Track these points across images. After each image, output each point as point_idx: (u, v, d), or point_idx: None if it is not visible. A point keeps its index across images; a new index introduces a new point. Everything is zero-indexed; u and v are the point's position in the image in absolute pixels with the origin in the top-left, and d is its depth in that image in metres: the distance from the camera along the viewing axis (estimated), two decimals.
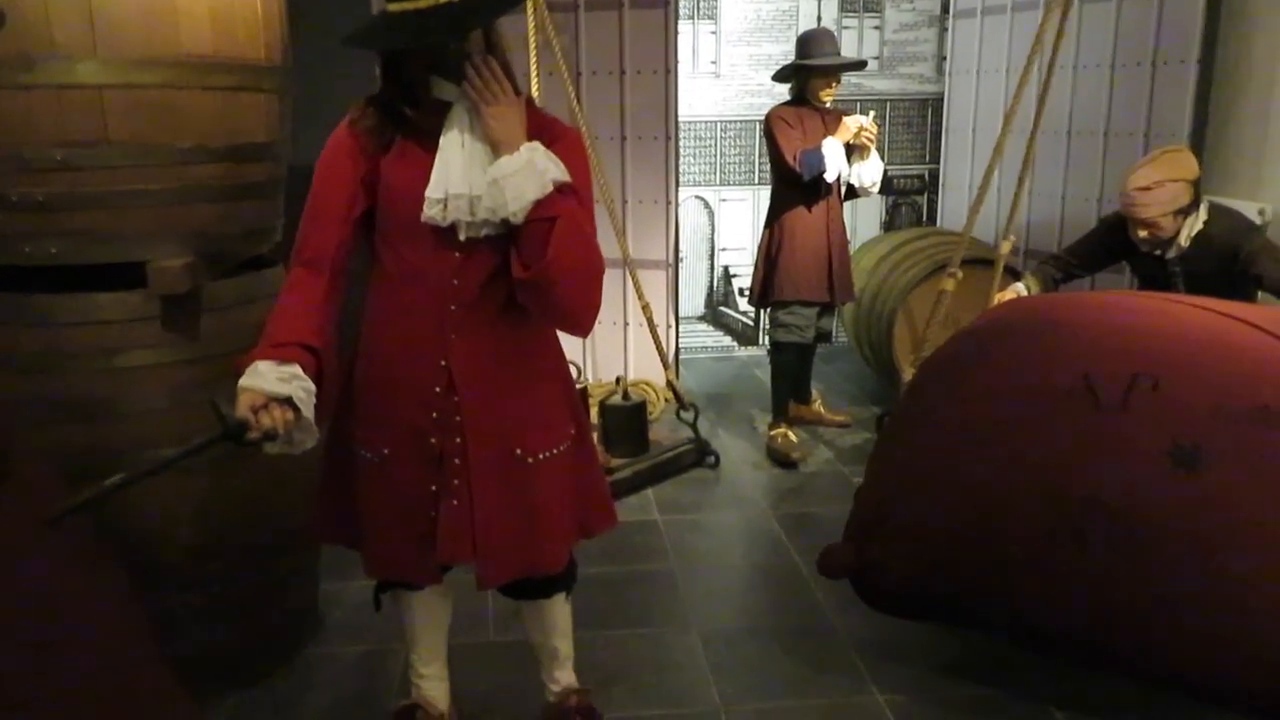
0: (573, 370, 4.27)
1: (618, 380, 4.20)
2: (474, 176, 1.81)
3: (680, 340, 5.29)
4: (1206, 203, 3.28)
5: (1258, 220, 3.80)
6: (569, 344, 4.83)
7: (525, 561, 2.01)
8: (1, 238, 2.16)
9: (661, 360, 4.23)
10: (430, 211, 1.81)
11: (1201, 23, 4.10)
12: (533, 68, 3.79)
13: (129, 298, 2.20)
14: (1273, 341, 2.31)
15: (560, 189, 1.81)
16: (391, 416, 1.93)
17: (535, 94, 3.78)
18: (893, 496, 2.54)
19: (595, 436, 4.08)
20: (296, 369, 1.77)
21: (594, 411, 4.23)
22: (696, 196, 5.77)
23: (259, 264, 2.56)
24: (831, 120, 4.06)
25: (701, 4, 5.49)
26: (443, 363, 1.89)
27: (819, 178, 3.97)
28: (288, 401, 1.74)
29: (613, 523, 2.19)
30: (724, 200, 5.77)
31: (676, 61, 4.71)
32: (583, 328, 1.93)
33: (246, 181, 2.34)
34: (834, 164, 3.95)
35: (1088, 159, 4.70)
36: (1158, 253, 3.28)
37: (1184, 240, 3.21)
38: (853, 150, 4.03)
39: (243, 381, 1.74)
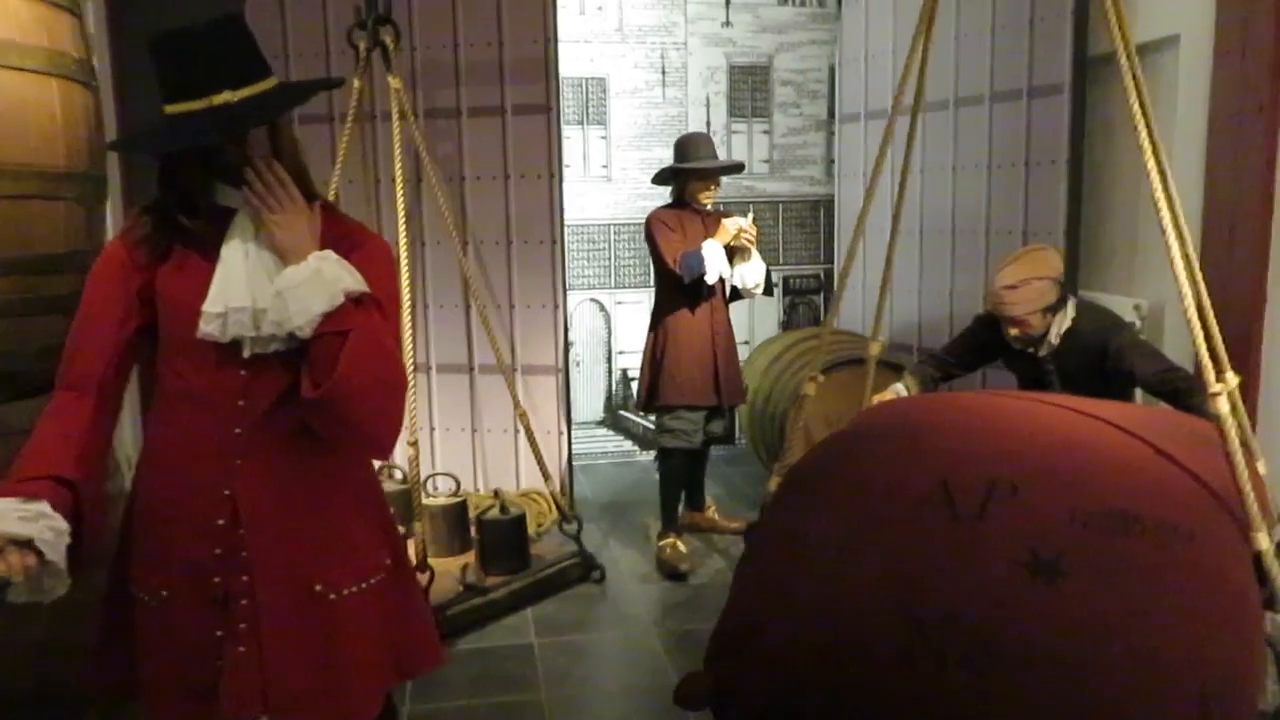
0: (449, 483, 4.11)
1: (496, 493, 4.01)
2: (258, 288, 1.66)
3: (577, 446, 5.14)
4: (1074, 300, 3.28)
5: (1133, 316, 3.84)
6: (457, 452, 4.70)
7: (329, 713, 1.79)
8: None
9: (542, 470, 4.06)
10: (207, 327, 1.65)
11: (1068, 125, 4.21)
12: (398, 175, 3.69)
13: None
14: (1131, 441, 2.24)
15: (355, 300, 1.68)
16: (169, 554, 1.73)
17: (401, 202, 3.69)
18: (753, 615, 2.37)
19: (472, 554, 3.90)
20: (44, 506, 1.56)
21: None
22: (591, 300, 5.69)
23: None
24: (711, 222, 4.03)
25: (591, 109, 5.52)
26: (226, 492, 1.71)
27: (700, 280, 3.92)
28: (29, 544, 1.53)
29: (438, 661, 1.99)
30: (619, 303, 5.70)
31: (561, 165, 4.68)
32: (382, 450, 1.77)
33: (41, 295, 2.15)
34: (714, 266, 3.90)
35: (972, 257, 4.74)
36: (1030, 350, 3.25)
37: (1054, 338, 3.19)
38: (734, 252, 4.00)
39: None
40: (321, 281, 1.65)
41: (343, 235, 1.78)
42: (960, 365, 3.51)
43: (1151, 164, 2.25)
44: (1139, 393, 3.28)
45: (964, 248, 4.82)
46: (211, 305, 1.65)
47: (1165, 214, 2.25)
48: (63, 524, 1.58)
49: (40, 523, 1.55)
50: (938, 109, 4.78)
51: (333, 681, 1.77)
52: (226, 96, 1.62)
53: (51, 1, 2.11)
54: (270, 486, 1.73)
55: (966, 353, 3.48)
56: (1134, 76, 2.26)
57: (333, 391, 1.63)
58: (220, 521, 1.71)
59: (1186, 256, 2.33)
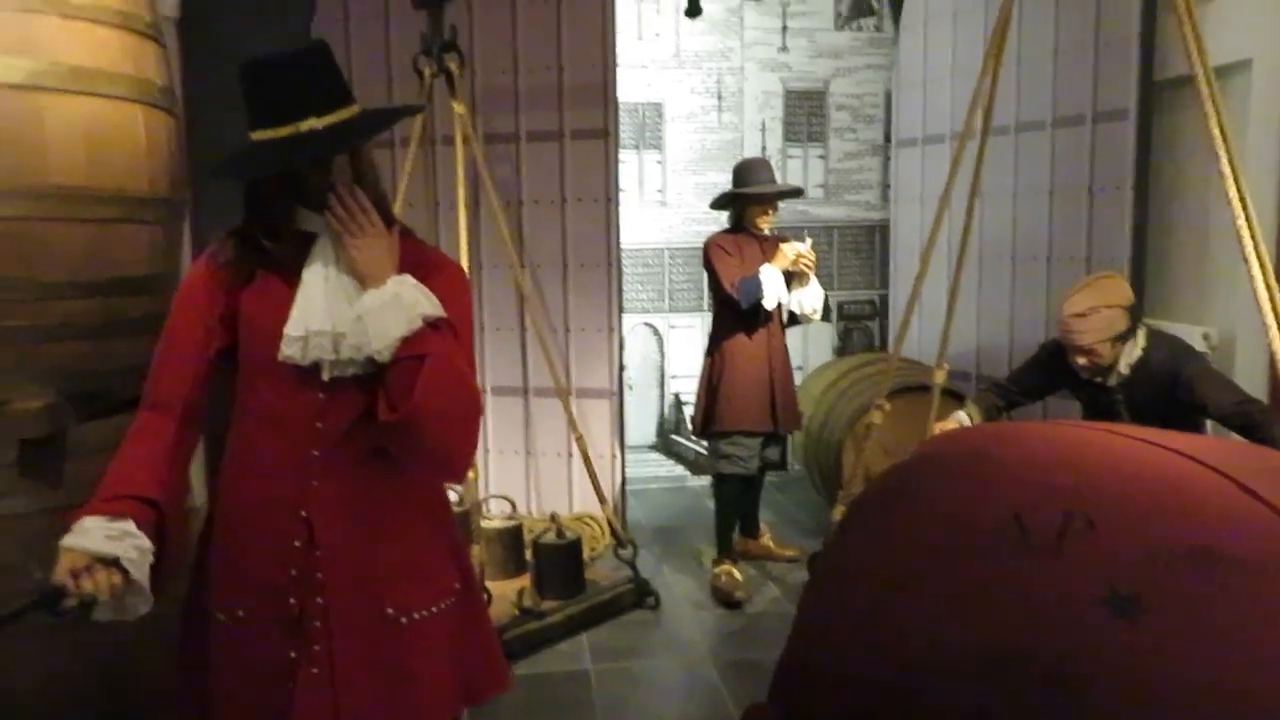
0: (505, 505, 4.12)
1: (553, 517, 4.01)
2: (338, 312, 1.68)
3: (629, 470, 5.13)
4: (1145, 329, 3.21)
5: (1202, 345, 3.74)
6: (512, 475, 4.71)
7: None
8: None
9: (598, 494, 4.05)
10: (289, 350, 1.67)
11: (1134, 149, 4.14)
12: (460, 199, 3.73)
13: None
14: (1209, 474, 2.17)
15: (432, 324, 1.69)
16: (246, 574, 1.74)
17: (463, 226, 3.72)
18: (821, 649, 2.33)
19: (527, 577, 3.90)
20: (129, 525, 1.59)
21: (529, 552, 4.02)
22: (645, 324, 5.70)
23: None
24: (769, 247, 4.01)
25: (647, 134, 5.54)
26: (303, 513, 1.72)
27: (758, 305, 3.90)
28: (115, 563, 1.56)
29: (505, 686, 1.99)
30: (673, 327, 5.70)
31: (618, 190, 4.70)
32: (455, 474, 1.78)
33: (123, 316, 2.20)
34: (772, 291, 3.88)
35: (1033, 283, 4.68)
36: (1099, 380, 3.18)
37: (1124, 368, 3.12)
38: (792, 277, 3.98)
39: (65, 540, 1.55)
40: (400, 306, 1.66)
41: (420, 260, 1.79)
42: (1025, 394, 3.45)
43: (1233, 191, 2.20)
44: (1210, 424, 3.20)
45: (1025, 274, 4.75)
46: (293, 328, 1.68)
47: (1247, 242, 2.19)
48: (146, 543, 1.60)
49: (126, 541, 1.57)
50: (999, 134, 4.72)
51: (403, 704, 1.77)
52: (312, 123, 1.64)
53: (138, 30, 2.18)
54: (345, 509, 1.74)
55: (1032, 381, 3.42)
56: (1213, 102, 2.22)
57: (409, 415, 1.64)
58: (296, 543, 1.72)
59: (1269, 285, 2.27)
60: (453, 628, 1.86)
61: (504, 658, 2.03)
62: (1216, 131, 2.17)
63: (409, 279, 1.70)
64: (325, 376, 1.70)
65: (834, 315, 5.82)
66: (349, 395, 1.72)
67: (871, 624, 2.19)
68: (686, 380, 5.77)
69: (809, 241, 3.99)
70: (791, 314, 4.10)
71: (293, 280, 1.71)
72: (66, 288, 2.07)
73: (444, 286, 1.76)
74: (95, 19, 2.08)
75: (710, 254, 4.01)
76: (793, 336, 4.82)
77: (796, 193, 4.34)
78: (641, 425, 5.74)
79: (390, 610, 1.77)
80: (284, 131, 1.64)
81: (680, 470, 5.83)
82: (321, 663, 1.72)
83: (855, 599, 2.27)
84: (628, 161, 5.48)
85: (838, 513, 2.65)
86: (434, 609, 1.82)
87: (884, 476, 2.60)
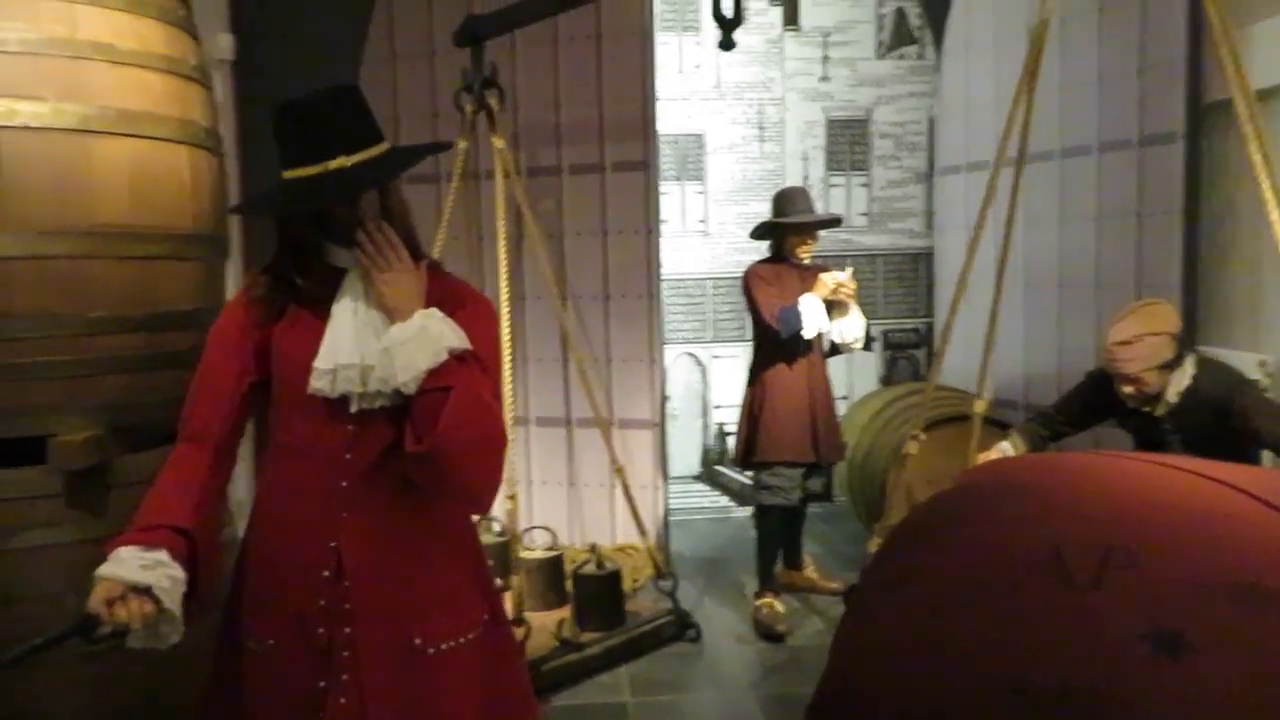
0: (546, 536, 4.12)
1: (592, 548, 4.00)
2: (366, 345, 1.72)
3: (673, 501, 5.11)
4: (1194, 356, 3.13)
5: (1258, 373, 3.64)
6: (554, 505, 4.72)
7: None
8: None
9: (637, 525, 4.04)
10: (318, 383, 1.71)
11: (1183, 174, 4.06)
12: (500, 232, 3.77)
13: (29, 473, 2.10)
14: (1258, 508, 2.11)
15: (458, 357, 1.71)
16: (277, 603, 1.77)
17: (503, 258, 3.77)
18: (856, 682, 2.29)
19: (567, 608, 3.90)
20: (163, 555, 1.62)
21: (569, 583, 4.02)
22: (688, 354, 5.70)
23: None
24: (809, 277, 4.00)
25: (689, 165, 5.58)
26: (332, 544, 1.74)
27: (798, 335, 3.88)
28: (148, 591, 1.59)
29: (533, 717, 1.99)
30: (716, 357, 5.70)
31: (659, 221, 4.73)
32: (481, 505, 1.79)
33: (167, 350, 2.26)
34: (812, 321, 3.86)
35: (1081, 310, 4.59)
36: (1147, 410, 3.11)
37: (1172, 396, 3.04)
38: (833, 306, 3.95)
39: (100, 569, 1.59)
40: (426, 339, 1.69)
41: (448, 293, 1.82)
42: (1071, 424, 3.38)
43: (1274, 215, 2.15)
44: (1266, 455, 3.10)
45: (1072, 301, 4.67)
46: (322, 362, 1.71)
47: None
48: (179, 572, 1.64)
49: (159, 571, 1.61)
50: (1042, 159, 4.68)
51: None
52: (341, 161, 1.69)
53: (183, 74, 2.25)
54: (374, 539, 1.76)
55: (1077, 411, 3.35)
56: (1254, 125, 2.18)
57: (435, 446, 1.66)
58: (326, 573, 1.74)
59: None
60: (481, 658, 1.86)
61: (532, 689, 2.03)
62: (1257, 156, 2.12)
63: (435, 312, 1.73)
64: (353, 409, 1.73)
65: (879, 344, 5.76)
66: (378, 427, 1.75)
67: (907, 656, 2.15)
68: (730, 410, 5.75)
69: (849, 270, 3.97)
70: (833, 343, 4.08)
71: (323, 314, 1.75)
72: (111, 323, 2.14)
73: (471, 319, 1.79)
74: (143, 64, 2.16)
75: (749, 283, 4.01)
76: (838, 366, 4.80)
77: (835, 222, 4.32)
78: (686, 456, 5.73)
79: (418, 641, 1.78)
80: (313, 170, 1.69)
81: (724, 501, 5.79)
82: (350, 693, 1.74)
83: (891, 630, 2.24)
84: (669, 192, 5.51)
85: (873, 544, 2.61)
86: (462, 640, 1.82)
87: (921, 508, 2.56)
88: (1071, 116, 4.59)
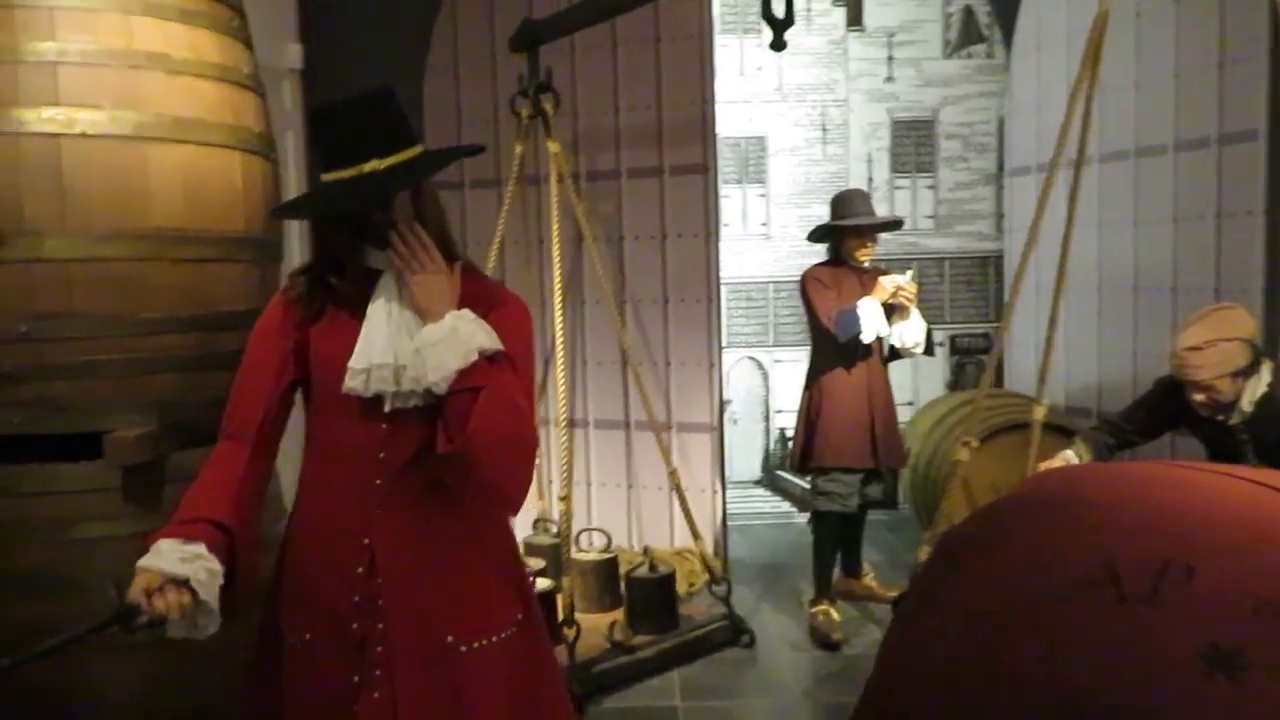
0: (599, 539, 4.12)
1: (645, 550, 3.99)
2: (400, 346, 1.74)
3: (733, 506, 5.07)
4: (1272, 363, 2.99)
5: None
6: (613, 507, 4.73)
7: None
8: None
9: (691, 529, 4.02)
10: (352, 382, 1.73)
11: (1265, 172, 3.89)
12: (554, 236, 3.79)
13: (87, 468, 2.17)
14: None
15: (490, 358, 1.72)
16: (313, 599, 1.80)
17: (558, 262, 3.79)
18: (903, 695, 2.24)
19: (621, 611, 3.89)
20: (201, 548, 1.67)
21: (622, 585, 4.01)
22: (749, 358, 5.66)
23: None
24: (869, 280, 3.93)
25: (750, 167, 5.54)
26: (365, 541, 1.77)
27: (856, 339, 3.81)
28: (186, 583, 1.64)
29: (567, 719, 1.98)
30: (777, 361, 5.64)
31: (718, 225, 4.70)
32: (510, 504, 1.79)
33: (218, 350, 2.32)
34: (870, 325, 3.79)
35: (1157, 315, 4.42)
36: (1220, 418, 2.98)
37: (1247, 405, 2.91)
38: (892, 310, 3.88)
39: (141, 561, 1.64)
40: (457, 339, 1.70)
41: (481, 295, 1.83)
42: (1139, 433, 3.25)
43: None
44: None
45: (1148, 305, 4.50)
46: (357, 361, 1.73)
47: None
48: (216, 565, 1.68)
49: (197, 563, 1.65)
50: (1116, 159, 4.52)
51: None
52: (374, 165, 1.71)
53: (235, 82, 2.32)
54: (406, 537, 1.78)
55: (1146, 419, 3.22)
56: None
57: (465, 446, 1.67)
58: (359, 569, 1.77)
59: None
60: (512, 660, 1.86)
61: (567, 689, 2.02)
62: None
63: (468, 313, 1.74)
64: (387, 408, 1.75)
65: (946, 349, 5.64)
66: (411, 427, 1.77)
67: (954, 667, 2.09)
68: (791, 415, 5.65)
69: (910, 273, 3.89)
70: (893, 348, 4.00)
71: (359, 315, 1.77)
72: (165, 323, 2.20)
73: (504, 320, 1.80)
74: (197, 73, 2.23)
75: (807, 287, 3.96)
76: (902, 371, 4.70)
77: (895, 224, 4.23)
78: (747, 460, 5.68)
79: (450, 638, 1.79)
80: (348, 173, 1.71)
81: (785, 506, 5.73)
82: (383, 688, 1.76)
83: (937, 640, 2.18)
84: (730, 195, 5.49)
85: (923, 552, 2.55)
86: (494, 638, 1.83)
87: (974, 517, 2.50)
88: (1147, 114, 4.43)
